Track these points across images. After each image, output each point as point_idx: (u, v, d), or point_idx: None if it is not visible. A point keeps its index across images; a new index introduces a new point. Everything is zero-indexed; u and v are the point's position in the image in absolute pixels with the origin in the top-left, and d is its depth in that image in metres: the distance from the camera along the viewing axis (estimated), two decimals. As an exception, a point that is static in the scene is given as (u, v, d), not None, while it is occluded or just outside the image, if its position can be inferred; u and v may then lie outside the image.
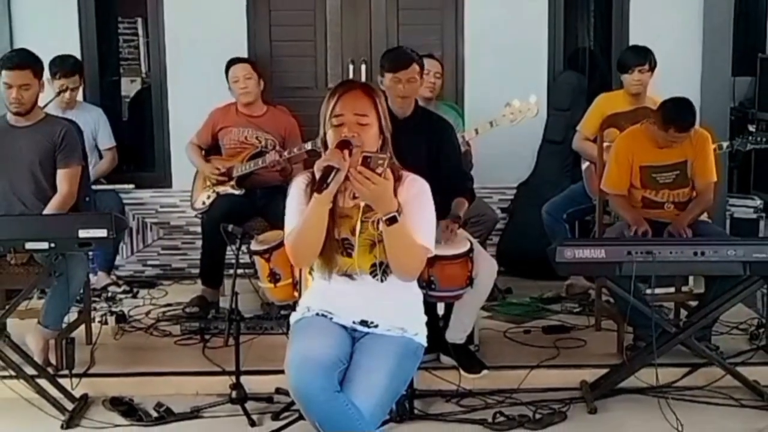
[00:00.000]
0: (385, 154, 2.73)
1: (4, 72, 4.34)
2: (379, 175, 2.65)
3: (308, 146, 5.10)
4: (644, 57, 5.35)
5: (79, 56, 5.93)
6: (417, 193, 2.91)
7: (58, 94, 5.53)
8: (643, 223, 4.50)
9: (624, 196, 4.66)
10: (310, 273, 3.07)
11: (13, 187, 4.48)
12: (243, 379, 4.08)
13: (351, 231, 2.90)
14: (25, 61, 4.40)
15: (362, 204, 2.86)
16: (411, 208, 2.85)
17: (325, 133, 2.92)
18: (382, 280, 2.93)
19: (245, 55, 5.95)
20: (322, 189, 2.69)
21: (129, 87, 8.16)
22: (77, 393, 4.16)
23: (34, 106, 4.47)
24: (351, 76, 6.10)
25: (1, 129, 4.49)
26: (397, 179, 2.88)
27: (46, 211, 4.38)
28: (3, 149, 4.46)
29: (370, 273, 2.93)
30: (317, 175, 2.73)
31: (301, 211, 2.87)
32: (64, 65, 5.56)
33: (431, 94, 5.40)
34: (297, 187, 2.95)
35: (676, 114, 4.48)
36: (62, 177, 4.47)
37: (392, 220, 2.72)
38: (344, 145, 2.78)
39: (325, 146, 2.91)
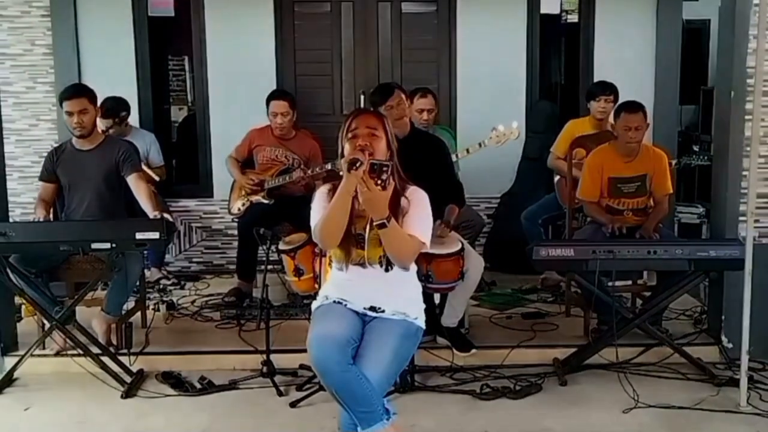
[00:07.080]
0: (389, 162, 2.79)
1: (64, 103, 4.34)
2: (384, 181, 2.71)
3: (328, 167, 5.11)
4: (609, 88, 5.35)
5: (135, 88, 5.99)
6: (418, 200, 2.94)
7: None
8: (617, 221, 4.47)
9: (597, 203, 4.64)
10: (329, 264, 3.08)
11: (82, 201, 4.48)
12: (272, 356, 4.10)
13: (364, 228, 2.91)
14: (80, 90, 4.44)
15: None
16: (412, 210, 2.91)
17: (342, 148, 2.95)
18: (387, 270, 2.94)
19: (274, 86, 5.96)
20: (351, 171, 2.73)
21: (177, 114, 8.18)
22: (134, 368, 4.19)
23: (94, 128, 4.47)
24: (362, 104, 6.10)
25: (68, 153, 4.49)
26: (403, 189, 2.94)
27: (145, 208, 4.34)
28: (72, 170, 4.47)
29: (378, 263, 2.94)
30: (344, 167, 2.76)
31: (323, 207, 2.90)
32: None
33: (426, 127, 5.25)
34: (321, 192, 3.00)
35: (624, 102, 4.60)
36: (134, 180, 4.43)
37: (381, 226, 2.76)
38: (361, 150, 2.85)
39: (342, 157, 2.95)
